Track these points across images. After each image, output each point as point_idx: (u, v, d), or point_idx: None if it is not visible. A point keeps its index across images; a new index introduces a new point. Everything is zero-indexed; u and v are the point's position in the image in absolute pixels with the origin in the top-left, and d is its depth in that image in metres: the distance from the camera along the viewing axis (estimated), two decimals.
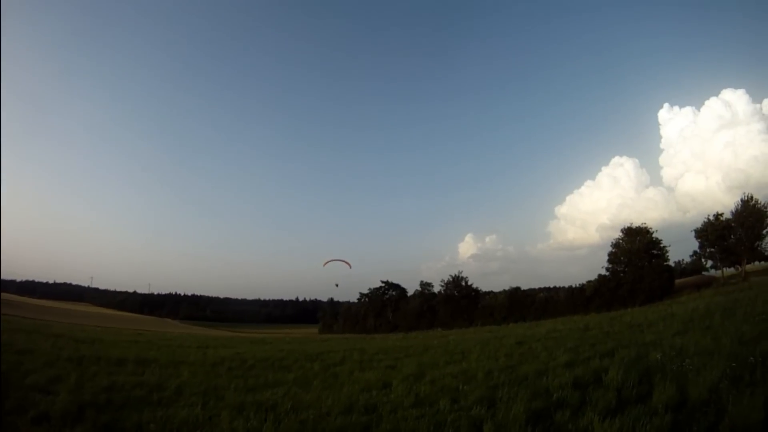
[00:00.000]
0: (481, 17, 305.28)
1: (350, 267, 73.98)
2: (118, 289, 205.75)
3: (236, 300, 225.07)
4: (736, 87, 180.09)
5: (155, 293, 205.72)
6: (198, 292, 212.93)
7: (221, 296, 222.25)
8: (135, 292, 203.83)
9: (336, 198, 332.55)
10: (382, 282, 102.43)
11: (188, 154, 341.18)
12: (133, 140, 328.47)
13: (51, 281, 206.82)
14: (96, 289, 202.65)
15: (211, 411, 10.98)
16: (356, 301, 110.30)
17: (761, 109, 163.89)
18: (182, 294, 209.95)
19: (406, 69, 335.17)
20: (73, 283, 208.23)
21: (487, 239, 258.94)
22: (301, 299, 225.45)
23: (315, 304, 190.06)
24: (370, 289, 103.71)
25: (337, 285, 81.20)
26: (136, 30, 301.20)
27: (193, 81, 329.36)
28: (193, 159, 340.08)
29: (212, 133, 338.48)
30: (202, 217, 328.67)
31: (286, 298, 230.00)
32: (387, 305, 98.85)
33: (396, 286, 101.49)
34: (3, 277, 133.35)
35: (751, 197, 63.25)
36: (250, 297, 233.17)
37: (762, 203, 62.37)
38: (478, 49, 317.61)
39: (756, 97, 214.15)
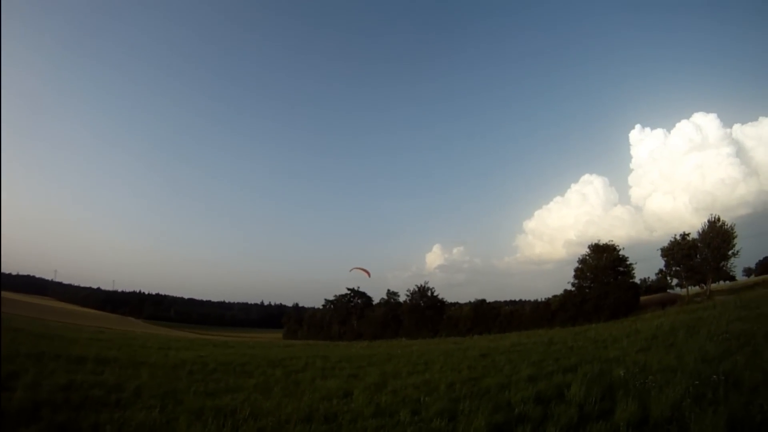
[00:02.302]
0: (452, 30, 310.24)
1: (369, 276, 75.76)
2: (82, 285, 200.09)
3: (201, 301, 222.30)
4: (708, 111, 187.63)
5: (119, 290, 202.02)
6: (162, 292, 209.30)
7: (185, 297, 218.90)
8: (99, 289, 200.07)
9: (304, 203, 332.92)
10: (348, 289, 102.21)
11: (157, 154, 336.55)
12: (102, 140, 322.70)
13: (14, 273, 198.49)
14: (60, 284, 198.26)
15: (169, 415, 10.66)
16: (321, 307, 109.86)
17: (731, 133, 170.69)
18: (146, 293, 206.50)
19: (378, 75, 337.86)
20: (37, 276, 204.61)
21: (455, 250, 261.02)
22: (266, 303, 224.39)
23: (280, 308, 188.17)
24: (335, 295, 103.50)
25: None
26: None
27: (169, 85, 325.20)
28: (162, 159, 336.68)
29: (183, 135, 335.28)
30: (169, 215, 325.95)
31: (251, 301, 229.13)
32: (352, 313, 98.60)
33: (362, 294, 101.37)
34: None
35: (718, 218, 65.66)
36: (215, 299, 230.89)
37: (728, 225, 64.58)
38: (452, 61, 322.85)
39: (727, 122, 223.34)
